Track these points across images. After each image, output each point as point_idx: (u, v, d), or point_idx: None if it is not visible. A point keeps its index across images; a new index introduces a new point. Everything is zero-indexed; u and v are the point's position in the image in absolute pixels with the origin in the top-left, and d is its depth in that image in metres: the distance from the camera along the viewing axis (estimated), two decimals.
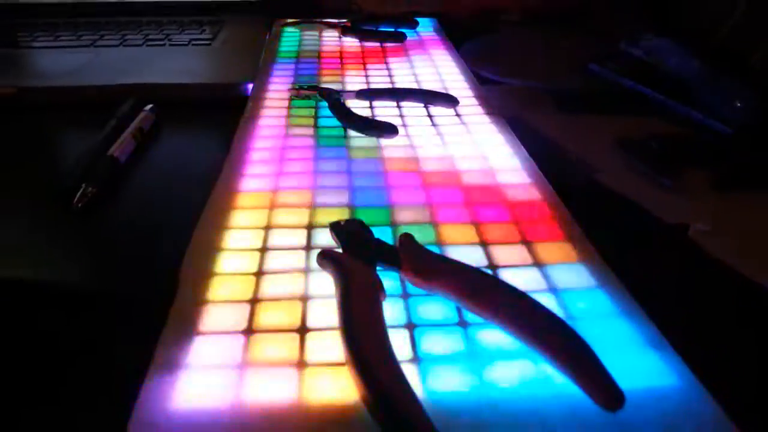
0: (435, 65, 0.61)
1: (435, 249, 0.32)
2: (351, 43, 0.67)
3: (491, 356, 0.26)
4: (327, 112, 0.48)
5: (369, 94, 0.51)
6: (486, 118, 0.48)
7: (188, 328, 0.27)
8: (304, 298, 0.29)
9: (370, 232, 0.32)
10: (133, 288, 0.32)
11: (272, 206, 0.36)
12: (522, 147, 0.44)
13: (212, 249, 0.32)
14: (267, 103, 0.51)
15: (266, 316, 0.28)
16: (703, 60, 0.53)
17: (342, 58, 0.62)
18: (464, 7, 0.83)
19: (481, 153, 0.43)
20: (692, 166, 0.45)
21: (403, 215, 0.36)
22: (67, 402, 0.26)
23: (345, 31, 0.69)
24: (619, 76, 0.59)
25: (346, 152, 0.43)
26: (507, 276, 0.30)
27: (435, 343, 0.26)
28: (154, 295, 0.29)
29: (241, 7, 0.79)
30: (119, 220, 0.39)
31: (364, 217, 0.34)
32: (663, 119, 0.53)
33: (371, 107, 0.50)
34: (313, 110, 0.49)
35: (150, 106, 0.51)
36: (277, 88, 0.54)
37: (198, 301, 0.28)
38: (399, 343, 0.26)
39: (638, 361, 0.26)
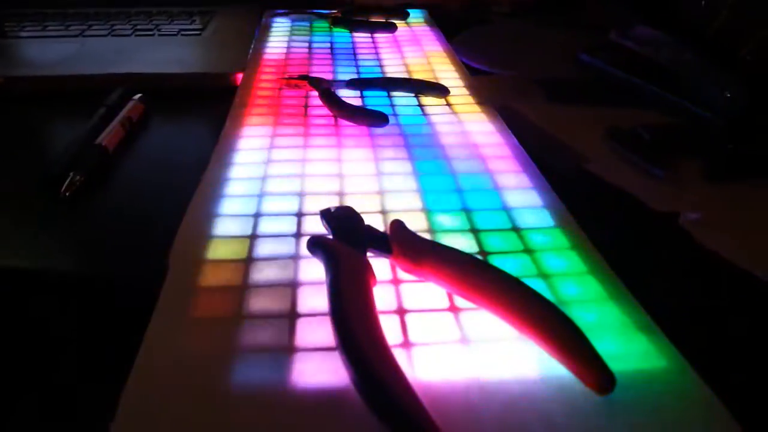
0: (426, 56, 0.61)
1: (426, 236, 0.32)
2: (341, 33, 0.67)
3: (482, 341, 0.26)
4: (317, 101, 0.48)
5: (359, 84, 0.51)
6: (477, 108, 0.48)
7: (178, 315, 0.27)
8: (295, 284, 0.29)
9: (361, 219, 0.32)
10: (122, 275, 0.32)
11: (262, 193, 0.36)
12: (513, 136, 0.44)
13: (202, 236, 0.32)
14: (257, 92, 0.50)
15: (256, 302, 0.28)
16: (694, 51, 0.53)
17: (332, 48, 0.62)
18: None
19: (472, 141, 0.43)
20: (683, 156, 0.45)
21: (394, 202, 0.35)
22: (58, 388, 0.26)
23: (335, 21, 0.68)
24: (610, 67, 0.59)
25: (336, 141, 0.43)
26: (498, 263, 0.30)
27: (426, 329, 0.26)
28: (143, 282, 0.29)
29: None
30: (108, 208, 0.38)
31: (355, 204, 0.34)
32: (654, 110, 0.53)
33: (362, 96, 0.50)
34: (303, 99, 0.49)
35: (139, 95, 0.51)
36: (267, 78, 0.54)
37: (188, 288, 0.28)
38: (390, 328, 0.26)
39: (628, 345, 0.26)
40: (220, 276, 0.29)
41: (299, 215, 0.34)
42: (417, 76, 0.54)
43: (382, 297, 0.28)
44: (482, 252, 0.31)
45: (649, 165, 0.43)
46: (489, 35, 0.73)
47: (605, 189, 0.41)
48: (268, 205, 0.35)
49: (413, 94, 0.51)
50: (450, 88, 0.51)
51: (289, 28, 0.68)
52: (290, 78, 0.52)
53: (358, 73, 0.56)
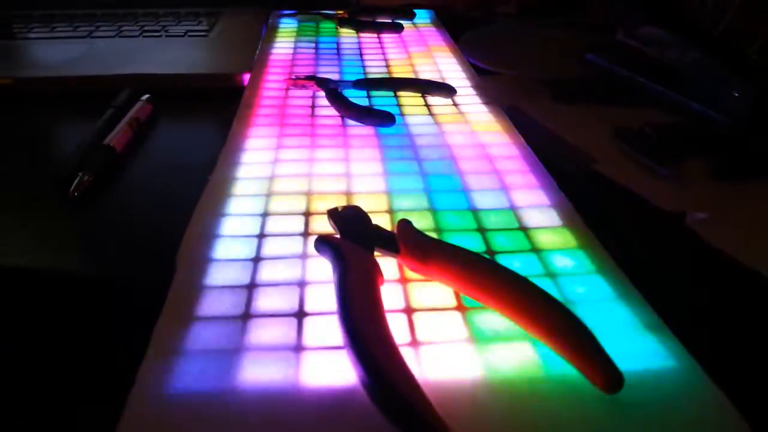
0: (432, 56, 0.61)
1: (433, 235, 0.32)
2: (348, 34, 0.67)
3: (490, 340, 0.26)
4: (324, 101, 0.48)
5: (366, 84, 0.51)
6: (483, 108, 0.48)
7: (185, 314, 0.27)
8: (302, 284, 0.29)
9: (368, 219, 0.32)
10: (130, 274, 0.32)
11: (270, 193, 0.36)
12: (520, 136, 0.44)
13: (209, 235, 0.32)
14: (264, 92, 0.51)
15: (264, 301, 0.28)
16: (700, 50, 0.53)
17: (339, 48, 0.62)
18: None
19: (479, 141, 0.43)
20: (689, 155, 0.45)
21: (401, 202, 0.35)
22: (65, 387, 0.26)
23: (342, 22, 0.69)
24: (616, 66, 0.59)
25: (343, 140, 0.43)
26: (505, 262, 0.30)
27: (433, 328, 0.26)
28: (151, 282, 0.29)
29: None
30: (116, 208, 0.39)
31: (362, 204, 0.34)
32: (660, 109, 0.52)
33: (369, 97, 0.50)
34: (310, 100, 0.49)
35: (147, 96, 0.51)
36: (274, 78, 0.54)
37: (195, 287, 0.28)
38: (397, 327, 0.26)
39: (636, 344, 0.26)
40: (228, 275, 0.29)
41: (306, 215, 0.34)
42: (423, 76, 0.55)
43: (390, 296, 0.28)
44: (490, 251, 0.31)
45: (656, 164, 0.43)
46: (495, 35, 0.73)
47: (612, 188, 0.41)
48: (276, 205, 0.35)
49: (420, 94, 0.51)
50: (457, 88, 0.51)
51: (295, 29, 0.68)
52: (297, 78, 0.52)
53: (365, 73, 0.56)
